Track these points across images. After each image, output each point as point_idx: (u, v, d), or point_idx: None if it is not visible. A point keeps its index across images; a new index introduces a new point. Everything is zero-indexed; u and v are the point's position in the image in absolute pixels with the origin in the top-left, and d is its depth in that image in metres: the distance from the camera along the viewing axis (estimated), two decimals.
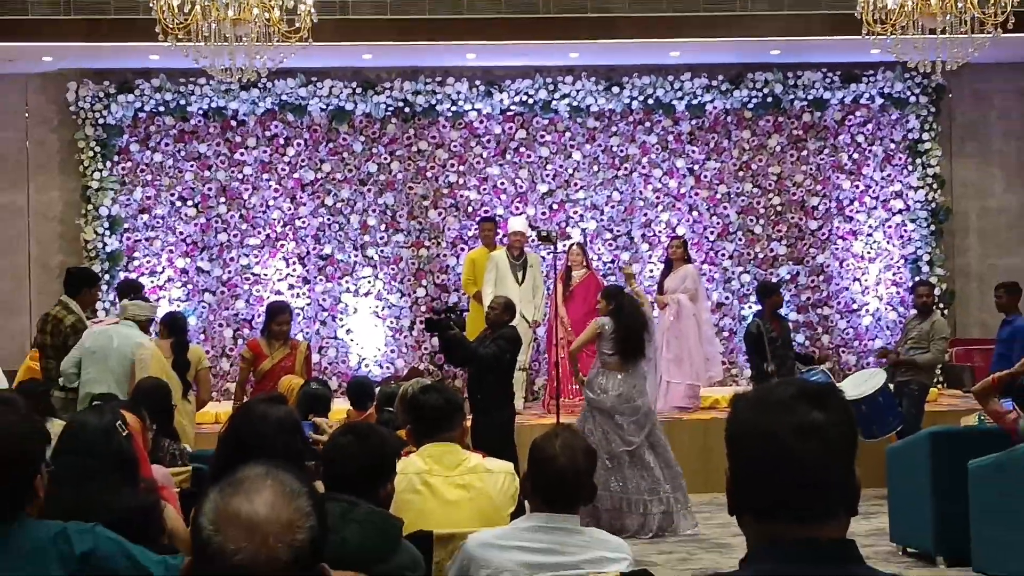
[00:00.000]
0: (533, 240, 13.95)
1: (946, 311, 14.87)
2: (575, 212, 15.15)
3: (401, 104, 14.92)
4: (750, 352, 12.67)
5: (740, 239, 15.28)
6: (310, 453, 4.39)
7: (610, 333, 10.73)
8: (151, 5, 10.76)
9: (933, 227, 15.28)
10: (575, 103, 15.00)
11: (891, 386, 11.71)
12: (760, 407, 2.17)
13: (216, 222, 14.83)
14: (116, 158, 14.66)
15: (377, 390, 9.18)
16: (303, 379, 9.91)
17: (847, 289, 15.36)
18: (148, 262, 14.71)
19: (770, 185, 15.30)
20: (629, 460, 10.57)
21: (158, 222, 14.78)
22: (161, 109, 14.69)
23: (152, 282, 14.55)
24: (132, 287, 12.00)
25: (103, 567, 3.52)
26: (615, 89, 14.99)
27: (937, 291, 14.39)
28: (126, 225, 14.66)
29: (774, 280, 14.54)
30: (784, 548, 2.11)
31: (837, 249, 15.36)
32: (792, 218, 15.30)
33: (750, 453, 2.16)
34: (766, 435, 2.13)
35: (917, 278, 14.63)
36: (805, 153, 15.33)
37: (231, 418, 4.33)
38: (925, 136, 15.25)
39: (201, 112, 14.76)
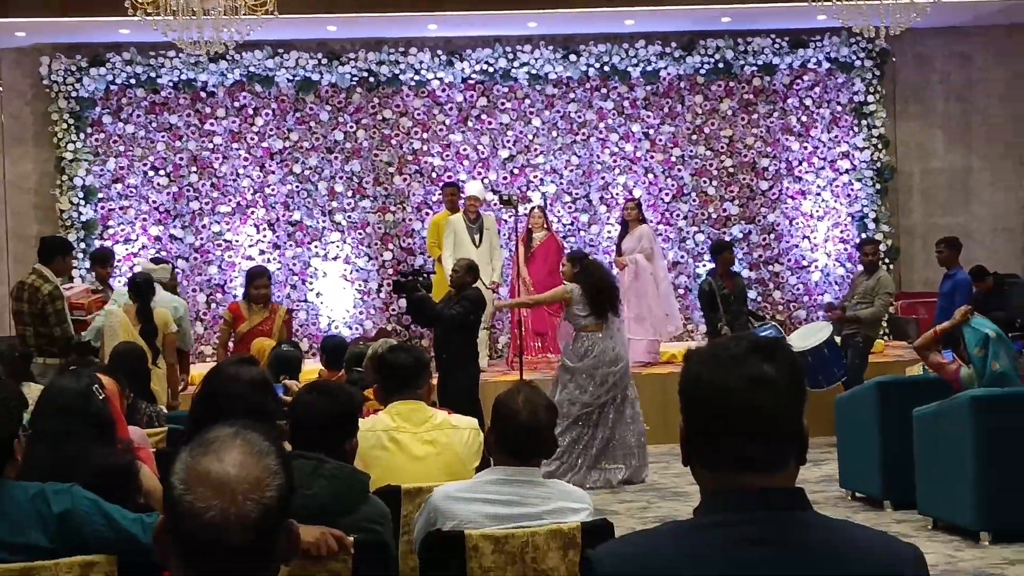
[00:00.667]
0: (495, 204, 14.32)
1: (891, 267, 15.32)
2: (535, 176, 15.49)
3: (365, 74, 15.21)
4: (704, 308, 13.09)
5: (694, 200, 15.69)
6: (281, 413, 4.40)
7: (579, 296, 10.88)
8: None
9: (878, 186, 15.72)
10: (534, 71, 15.33)
11: (837, 339, 12.10)
12: (712, 361, 2.18)
13: (188, 191, 15.12)
14: (89, 130, 14.94)
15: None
16: (275, 342, 10.00)
17: (797, 246, 15.80)
18: (122, 230, 15.00)
19: (722, 148, 15.70)
20: (585, 418, 10.80)
21: (131, 191, 15.06)
22: (132, 82, 14.94)
23: (127, 249, 14.86)
24: (102, 255, 12.31)
25: (80, 526, 3.67)
26: (572, 57, 15.33)
27: (882, 248, 14.81)
28: (100, 195, 14.94)
29: (727, 239, 14.97)
30: (736, 497, 2.14)
31: (787, 208, 15.79)
32: (744, 179, 15.73)
33: (703, 406, 2.18)
34: (718, 388, 2.15)
35: (863, 236, 15.07)
36: (756, 116, 15.72)
37: (204, 379, 4.36)
38: (870, 99, 15.67)
39: (171, 84, 15.02)
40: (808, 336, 12.02)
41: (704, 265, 15.19)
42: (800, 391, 2.20)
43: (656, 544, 2.20)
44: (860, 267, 13.33)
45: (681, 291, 15.47)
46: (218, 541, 1.97)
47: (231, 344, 11.05)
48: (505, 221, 14.75)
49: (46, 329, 10.03)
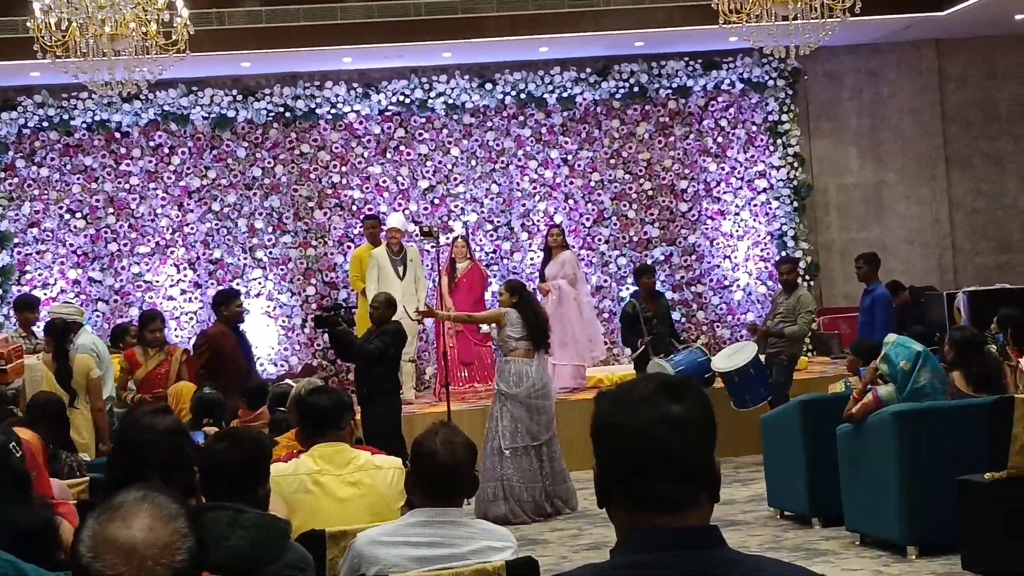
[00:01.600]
0: (416, 235, 14.31)
1: (812, 283, 15.50)
2: (456, 206, 15.52)
3: (281, 109, 15.19)
4: (625, 330, 13.15)
5: (615, 224, 15.77)
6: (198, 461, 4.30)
7: (516, 320, 10.82)
8: (28, 24, 10.81)
9: (796, 204, 15.92)
10: (450, 101, 15.38)
11: (762, 357, 12.15)
12: (621, 403, 2.19)
13: (105, 232, 14.98)
14: (2, 174, 14.80)
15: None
16: (194, 384, 9.82)
17: (718, 267, 15.93)
18: (40, 275, 14.84)
19: (641, 171, 15.81)
20: (534, 451, 10.73)
21: (48, 235, 14.91)
22: (45, 124, 14.82)
23: (45, 294, 14.62)
24: (29, 301, 12.14)
25: None
26: (488, 86, 15.40)
27: (802, 265, 14.98)
28: (16, 240, 14.79)
29: (649, 262, 15.06)
30: (651, 537, 2.14)
31: (707, 229, 15.92)
32: (663, 201, 15.84)
33: (614, 448, 2.18)
34: (628, 430, 2.16)
35: (783, 253, 15.26)
36: (672, 139, 15.86)
37: (118, 431, 4.33)
38: (784, 118, 15.88)
39: (85, 126, 14.90)
40: (733, 356, 12.07)
41: (627, 288, 15.30)
42: (710, 429, 2.20)
43: None
44: (780, 286, 13.39)
45: (606, 315, 15.55)
46: None
47: (132, 389, 10.81)
48: (427, 252, 14.74)
49: None
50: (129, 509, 2.03)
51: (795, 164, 15.89)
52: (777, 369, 12.29)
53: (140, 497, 2.05)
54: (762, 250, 15.94)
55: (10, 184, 14.85)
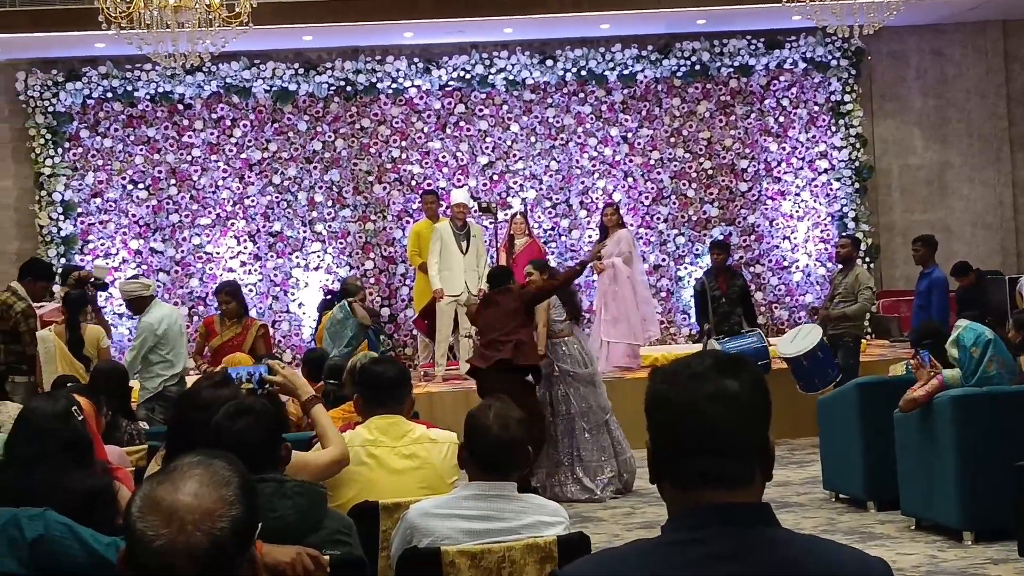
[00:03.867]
0: (475, 211, 14.33)
1: (872, 265, 15.38)
2: (515, 182, 15.52)
3: (343, 83, 15.23)
4: (698, 310, 13.10)
5: (674, 203, 15.72)
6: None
7: (556, 302, 10.80)
8: None
9: (857, 185, 15.78)
10: (511, 77, 15.37)
11: (826, 339, 12.04)
12: (675, 378, 2.19)
13: (167, 203, 15.11)
14: (67, 144, 14.94)
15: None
16: (250, 356, 9.72)
17: (777, 247, 15.84)
18: (102, 245, 15.00)
19: (701, 150, 15.74)
20: (605, 426, 10.74)
21: (110, 205, 15.06)
22: (109, 95, 14.95)
23: (108, 263, 14.84)
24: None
25: (54, 551, 3.60)
26: (549, 62, 15.38)
27: (863, 247, 14.85)
28: (79, 209, 14.94)
29: (720, 239, 14.94)
30: (702, 514, 2.13)
31: (767, 209, 15.84)
32: (723, 181, 15.77)
33: (667, 423, 2.18)
34: (681, 405, 2.15)
35: (843, 235, 15.11)
36: (733, 118, 15.77)
37: (178, 401, 4.33)
38: (847, 98, 15.74)
39: (148, 97, 15.02)
40: (799, 340, 11.84)
41: (685, 267, 15.32)
42: (764, 406, 2.19)
43: (622, 562, 2.19)
44: (838, 265, 13.15)
45: (663, 294, 15.49)
46: (169, 569, 1.96)
47: (207, 355, 10.76)
48: (486, 228, 14.74)
49: (17, 347, 9.96)
50: (182, 473, 2.04)
51: (857, 145, 15.75)
52: (843, 351, 12.13)
53: (196, 462, 2.06)
54: (822, 231, 15.83)
55: (74, 154, 14.99)
